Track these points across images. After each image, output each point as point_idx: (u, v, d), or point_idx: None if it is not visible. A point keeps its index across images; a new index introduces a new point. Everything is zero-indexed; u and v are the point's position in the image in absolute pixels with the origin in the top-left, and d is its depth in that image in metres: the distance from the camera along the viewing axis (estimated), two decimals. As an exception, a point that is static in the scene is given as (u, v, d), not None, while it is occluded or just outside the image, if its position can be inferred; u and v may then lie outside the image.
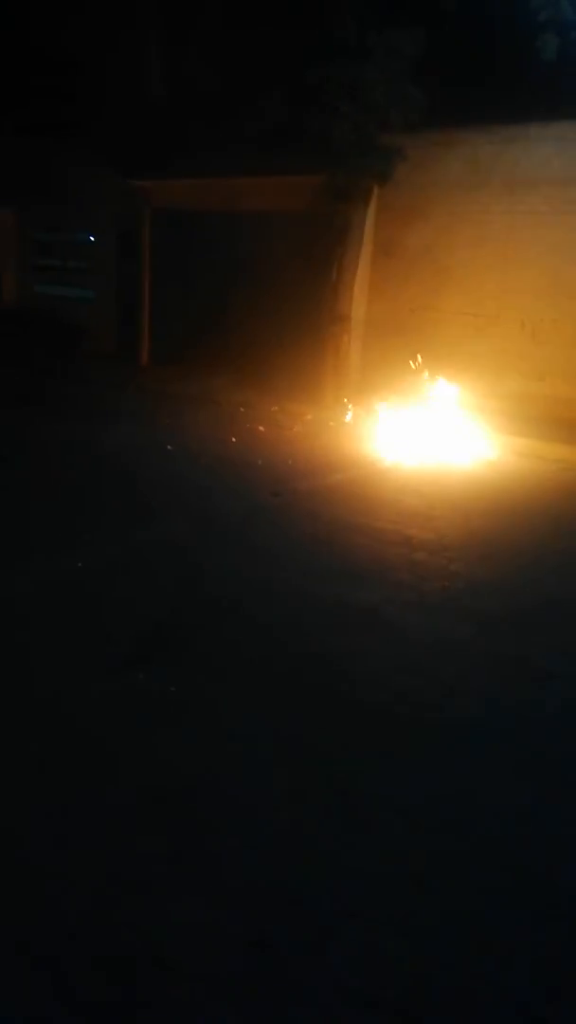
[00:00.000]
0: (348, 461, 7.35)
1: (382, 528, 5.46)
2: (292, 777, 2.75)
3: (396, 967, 2.04)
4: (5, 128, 12.61)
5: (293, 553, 4.91)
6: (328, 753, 2.91)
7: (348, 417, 9.10)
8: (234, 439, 7.90)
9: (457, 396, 8.87)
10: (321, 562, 4.77)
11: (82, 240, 13.39)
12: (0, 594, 3.99)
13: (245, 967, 2.01)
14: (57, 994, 1.90)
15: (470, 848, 2.47)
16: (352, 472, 6.96)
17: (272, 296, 10.61)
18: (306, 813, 2.58)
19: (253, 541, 5.09)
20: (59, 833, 2.41)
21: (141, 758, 2.79)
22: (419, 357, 8.99)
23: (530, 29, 8.10)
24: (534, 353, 9.00)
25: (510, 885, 2.34)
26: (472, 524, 5.68)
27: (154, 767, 2.75)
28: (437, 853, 2.45)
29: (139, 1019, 1.86)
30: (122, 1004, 1.89)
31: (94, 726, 2.96)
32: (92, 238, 13.18)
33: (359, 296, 10.02)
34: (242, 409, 9.47)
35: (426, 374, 9.08)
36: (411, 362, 9.00)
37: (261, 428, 8.53)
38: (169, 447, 7.35)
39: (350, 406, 9.32)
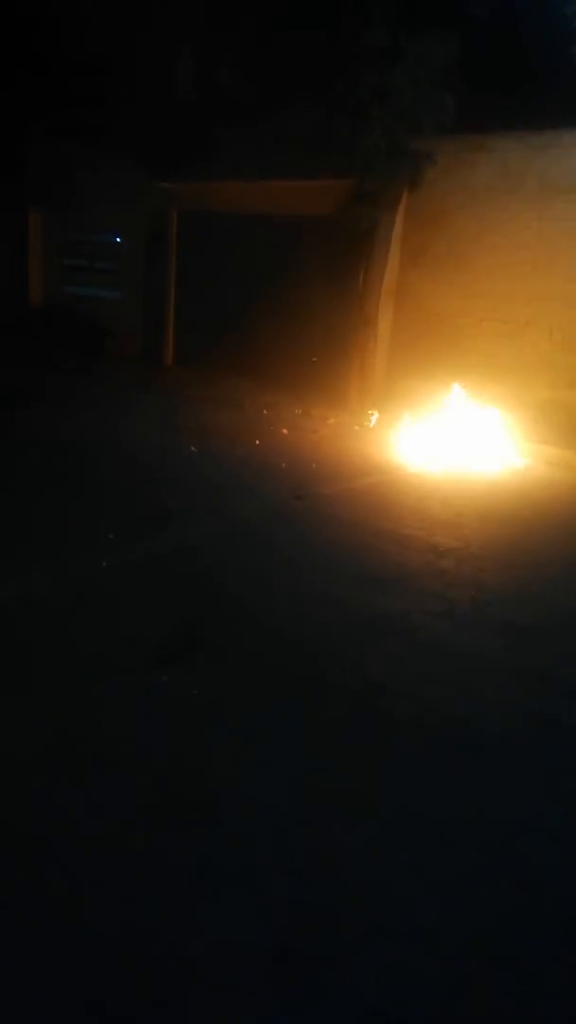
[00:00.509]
0: (372, 466, 7.30)
1: (408, 535, 5.40)
2: (319, 787, 2.69)
3: (420, 984, 1.98)
4: (35, 131, 12.72)
5: (317, 558, 4.85)
6: (356, 763, 2.85)
7: (373, 422, 9.04)
8: (258, 441, 7.87)
9: (484, 404, 8.80)
10: (346, 567, 4.71)
11: (109, 241, 13.45)
12: (24, 594, 3.97)
13: (268, 980, 1.96)
14: (85, 1005, 1.86)
15: (497, 865, 2.41)
16: (376, 477, 6.90)
17: (298, 300, 10.59)
18: (333, 825, 2.52)
19: (277, 545, 5.05)
20: (83, 835, 2.37)
21: (165, 763, 2.75)
22: (454, 362, 8.90)
23: (564, 36, 8.02)
24: (564, 361, 8.89)
25: (537, 903, 2.27)
26: (500, 533, 5.60)
27: (178, 772, 2.70)
28: (464, 869, 2.38)
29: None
30: (147, 1015, 1.85)
31: (118, 729, 2.93)
32: (118, 239, 13.23)
33: (385, 301, 9.96)
34: (266, 412, 9.44)
35: (452, 381, 9.00)
36: (441, 369, 8.91)
37: (285, 431, 8.49)
38: (193, 448, 7.33)
39: (375, 411, 9.26)
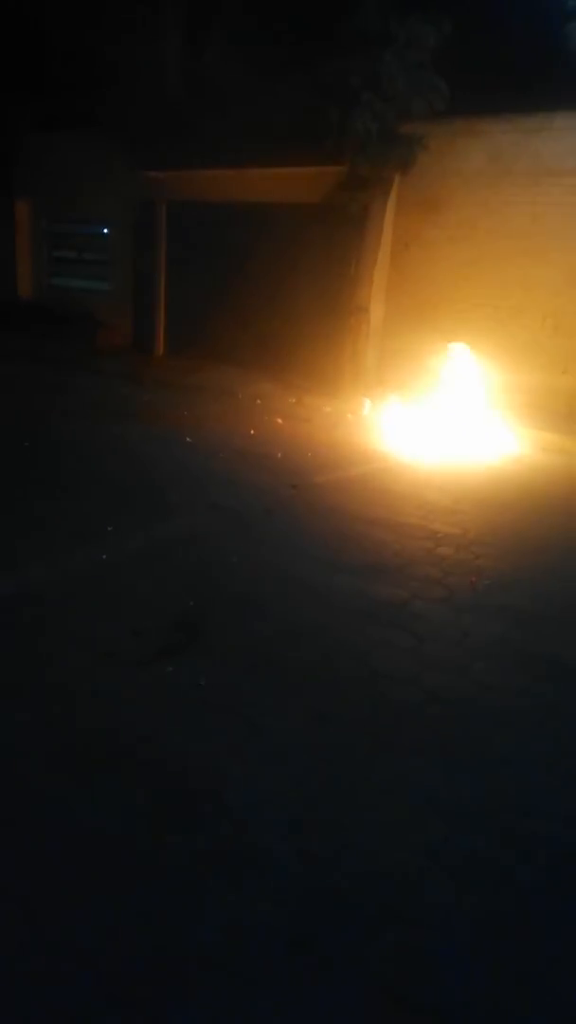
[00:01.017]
0: (368, 454, 7.29)
1: (405, 522, 5.39)
2: (327, 774, 2.70)
3: (437, 967, 2.00)
4: (22, 121, 12.58)
5: (316, 547, 4.85)
6: (363, 750, 2.86)
7: (367, 410, 9.02)
8: (253, 431, 7.84)
9: (478, 389, 8.80)
10: (345, 556, 4.71)
11: (97, 232, 13.34)
12: (26, 587, 3.95)
13: (286, 966, 1.96)
14: (101, 995, 1.86)
15: (508, 846, 2.42)
16: (372, 465, 6.89)
17: (289, 288, 10.54)
18: (344, 810, 2.53)
19: (276, 534, 5.04)
20: (94, 826, 2.37)
21: (173, 753, 2.75)
22: (447, 349, 8.88)
23: (555, 18, 7.97)
24: (557, 346, 8.89)
25: (551, 883, 2.28)
26: (497, 519, 5.60)
27: (186, 762, 2.70)
28: (476, 851, 2.40)
29: (181, 1018, 1.82)
30: (163, 1006, 1.85)
31: (126, 719, 2.92)
32: (106, 230, 13.12)
33: (378, 288, 9.92)
34: (259, 401, 9.41)
35: (446, 367, 9.00)
36: (434, 355, 8.89)
37: (279, 420, 8.46)
38: (188, 439, 7.29)
39: (369, 399, 9.24)
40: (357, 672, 3.40)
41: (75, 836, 2.34)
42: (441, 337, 9.33)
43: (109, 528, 4.86)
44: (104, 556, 4.44)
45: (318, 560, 4.63)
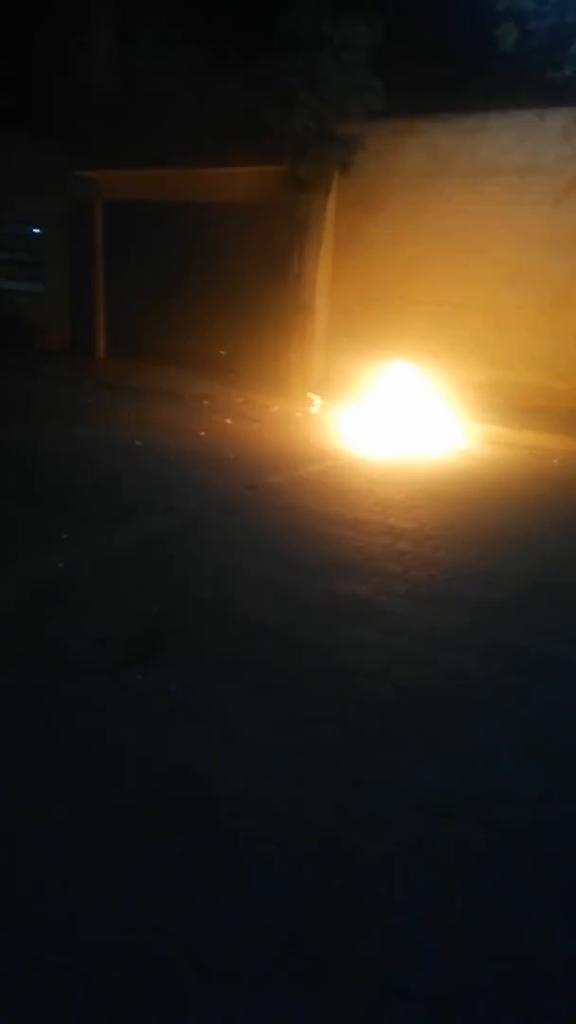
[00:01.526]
0: (320, 452, 7.31)
1: (363, 519, 5.42)
2: (306, 773, 2.68)
3: (429, 955, 2.00)
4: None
5: (276, 546, 4.82)
6: (338, 748, 2.85)
7: (315, 408, 9.05)
8: (203, 433, 7.78)
9: (424, 385, 8.91)
10: (307, 555, 4.70)
11: (30, 233, 13.05)
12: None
13: (280, 965, 1.94)
14: (89, 999, 1.80)
15: (489, 834, 2.44)
16: (326, 463, 6.91)
17: (232, 287, 10.50)
18: (325, 809, 2.51)
19: (234, 535, 4.99)
20: (76, 839, 2.29)
21: (150, 761, 2.68)
22: (391, 346, 8.95)
23: (487, 20, 8.13)
24: (499, 341, 9.08)
25: (533, 867, 2.31)
26: (451, 512, 5.68)
27: (164, 769, 2.64)
28: (459, 841, 2.41)
29: (175, 1021, 1.77)
30: (157, 1007, 1.80)
31: (98, 730, 2.84)
32: (37, 230, 12.86)
33: (322, 287, 9.97)
34: (206, 402, 9.34)
35: (392, 364, 9.09)
36: (379, 353, 8.96)
37: (229, 421, 8.41)
38: (137, 443, 7.18)
39: (317, 397, 9.27)
40: (327, 670, 3.39)
41: (50, 848, 2.26)
42: (386, 334, 9.43)
43: (64, 536, 4.74)
44: (60, 564, 4.32)
45: (280, 560, 4.60)
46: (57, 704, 2.99)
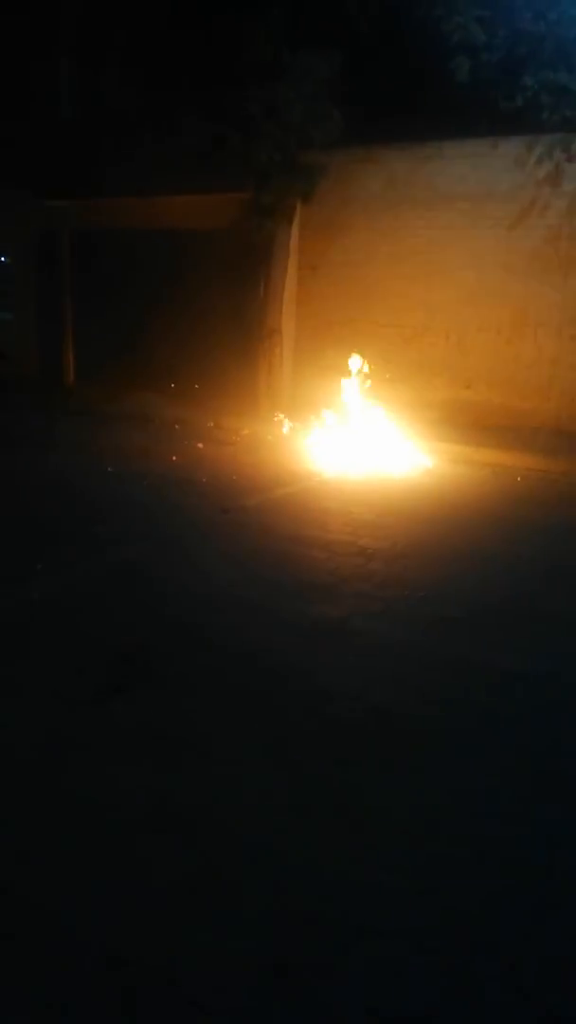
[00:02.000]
0: (291, 475, 7.41)
1: (335, 540, 5.52)
2: (286, 798, 2.74)
3: (410, 977, 2.06)
4: None
5: (252, 570, 4.90)
6: (318, 771, 2.91)
7: (285, 431, 9.17)
8: (175, 457, 7.84)
9: (389, 406, 9.08)
10: (281, 578, 4.78)
11: (-2, 262, 13.06)
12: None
13: (264, 994, 1.99)
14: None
15: (467, 852, 2.52)
16: (297, 486, 7.02)
17: (199, 313, 10.61)
18: (307, 833, 2.57)
19: (210, 560, 5.06)
20: (53, 871, 2.33)
21: (130, 791, 2.73)
22: (357, 368, 9.10)
23: (442, 51, 8.41)
24: (460, 362, 9.30)
25: (509, 884, 2.40)
26: (420, 531, 5.82)
27: (145, 799, 2.69)
28: (438, 860, 2.48)
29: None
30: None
31: (77, 761, 2.88)
32: (3, 259, 12.88)
33: (288, 311, 10.13)
34: (177, 426, 9.41)
35: (357, 386, 9.25)
36: (346, 375, 9.11)
37: (200, 445, 8.49)
38: (110, 469, 7.22)
39: (285, 420, 9.40)
40: (304, 692, 3.46)
41: (47, 875, 2.29)
42: (351, 358, 9.60)
43: (38, 566, 4.76)
44: (36, 595, 4.35)
45: (256, 583, 4.68)
46: (37, 737, 3.02)
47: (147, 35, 9.90)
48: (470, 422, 9.10)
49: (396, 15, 8.57)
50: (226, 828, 2.57)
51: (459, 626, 4.21)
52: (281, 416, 9.53)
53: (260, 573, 4.84)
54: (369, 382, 9.22)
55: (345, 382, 9.32)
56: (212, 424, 9.51)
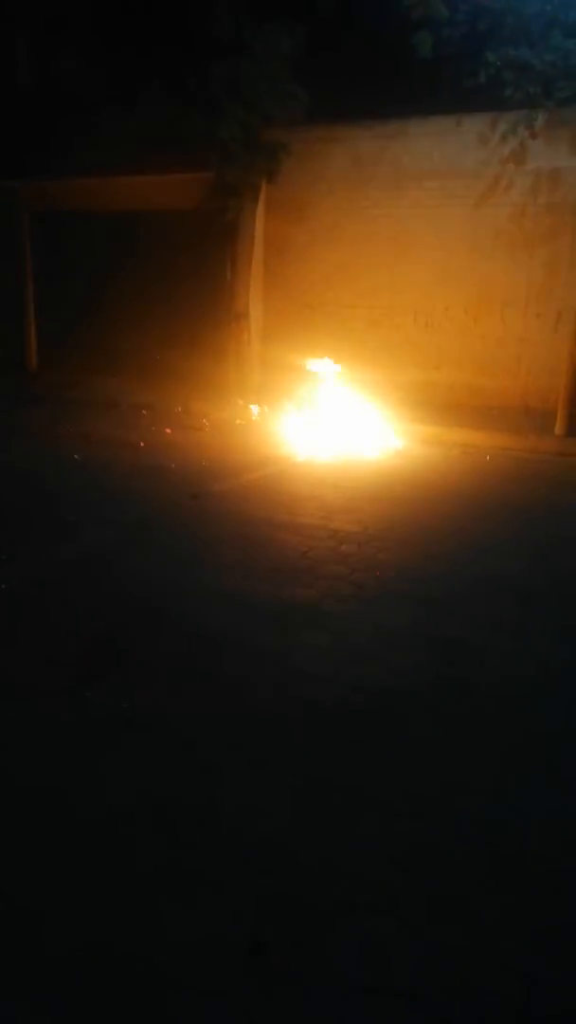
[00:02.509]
0: (260, 459, 7.36)
1: (306, 523, 5.50)
2: (265, 781, 2.72)
3: (393, 952, 2.06)
4: None
5: (223, 555, 4.86)
6: (296, 753, 2.90)
7: (254, 415, 9.10)
8: (142, 443, 7.74)
9: (358, 388, 9.05)
10: (253, 562, 4.75)
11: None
12: None
13: (247, 974, 1.97)
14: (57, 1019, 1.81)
15: (446, 830, 2.53)
16: (266, 470, 6.97)
17: (166, 295, 10.47)
18: (287, 816, 2.56)
19: (180, 545, 5.01)
20: (35, 863, 2.29)
21: (109, 780, 2.69)
22: (325, 351, 9.05)
23: (404, 28, 8.33)
24: (429, 342, 9.31)
25: (490, 860, 2.41)
26: (392, 512, 5.81)
27: (123, 787, 2.65)
28: (418, 839, 2.49)
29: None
30: (133, 1037, 1.82)
31: (50, 749, 2.83)
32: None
33: (255, 293, 10.03)
34: (144, 412, 9.30)
35: (326, 368, 9.20)
36: (314, 358, 9.06)
37: (168, 430, 8.40)
38: (76, 456, 7.11)
39: (254, 404, 9.32)
40: (279, 675, 3.44)
41: (27, 866, 2.25)
42: (320, 338, 9.55)
43: (3, 556, 4.67)
44: (2, 585, 4.26)
45: (227, 568, 4.64)
46: (9, 729, 2.96)
47: (106, 10, 9.66)
48: (439, 402, 9.12)
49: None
50: (198, 813, 2.54)
51: (430, 605, 4.22)
52: (250, 400, 9.46)
53: (231, 557, 4.81)
54: (338, 365, 9.18)
55: (313, 365, 9.28)
56: (180, 409, 9.40)
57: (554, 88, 8.26)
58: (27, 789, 2.64)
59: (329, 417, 8.64)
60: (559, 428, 8.22)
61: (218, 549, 4.96)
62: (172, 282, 10.43)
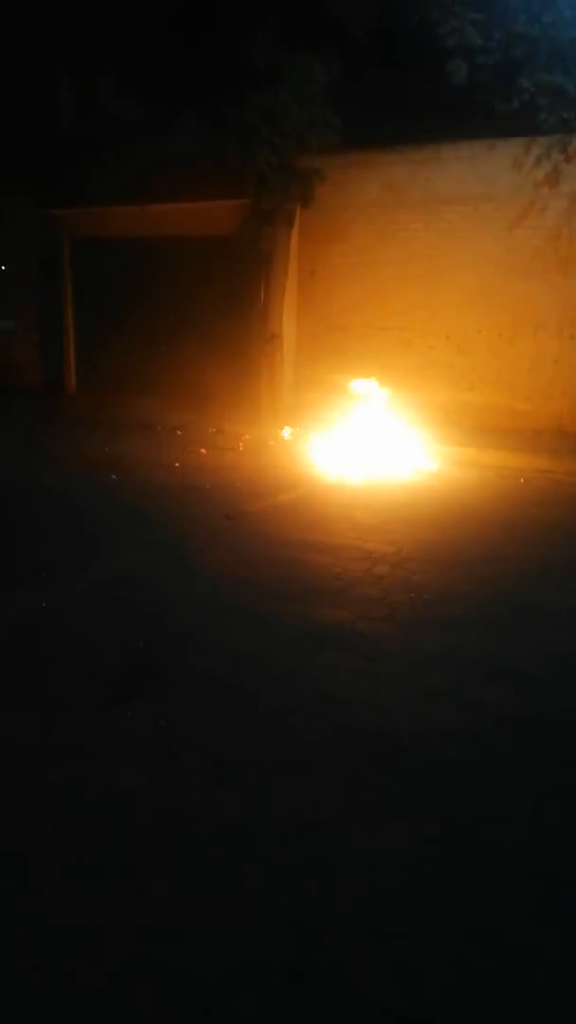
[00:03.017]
0: (294, 479, 7.40)
1: (340, 544, 5.51)
2: (298, 804, 2.73)
3: (427, 980, 2.05)
4: None
5: (256, 575, 4.89)
6: (330, 776, 2.90)
7: (287, 435, 9.17)
8: (177, 464, 7.85)
9: (391, 409, 9.07)
10: (287, 583, 4.77)
11: (-2, 271, 13.10)
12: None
13: (286, 1001, 1.98)
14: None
15: (482, 857, 2.51)
16: (300, 490, 7.01)
17: (201, 319, 10.64)
18: (320, 840, 2.56)
19: (215, 566, 5.05)
20: (79, 881, 2.32)
21: (143, 797, 2.72)
22: (358, 372, 9.10)
23: (437, 55, 8.43)
24: (462, 364, 9.31)
25: (527, 888, 2.38)
26: (426, 535, 5.80)
27: (156, 806, 2.68)
28: (453, 864, 2.47)
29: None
30: None
31: (89, 768, 2.87)
32: (2, 267, 12.92)
33: (288, 316, 10.15)
34: (179, 433, 9.42)
35: (359, 389, 9.24)
36: (347, 379, 9.10)
37: (203, 451, 8.50)
38: (112, 476, 7.23)
39: (287, 424, 9.39)
40: (312, 698, 3.45)
41: (61, 889, 2.29)
42: (352, 360, 9.61)
43: (44, 574, 4.76)
44: (44, 603, 4.35)
45: (261, 589, 4.67)
46: (49, 745, 3.02)
47: (145, 43, 9.94)
48: (472, 424, 9.10)
49: (392, 19, 8.60)
50: (233, 834, 2.56)
51: (467, 629, 4.20)
52: (283, 421, 9.53)
53: (264, 578, 4.84)
54: (371, 385, 9.22)
55: (346, 386, 9.32)
56: (214, 430, 9.51)
57: (588, 113, 8.29)
58: (59, 801, 2.68)
59: (362, 438, 8.66)
60: (595, 450, 8.14)
61: (251, 570, 4.99)
62: (206, 305, 10.61)
